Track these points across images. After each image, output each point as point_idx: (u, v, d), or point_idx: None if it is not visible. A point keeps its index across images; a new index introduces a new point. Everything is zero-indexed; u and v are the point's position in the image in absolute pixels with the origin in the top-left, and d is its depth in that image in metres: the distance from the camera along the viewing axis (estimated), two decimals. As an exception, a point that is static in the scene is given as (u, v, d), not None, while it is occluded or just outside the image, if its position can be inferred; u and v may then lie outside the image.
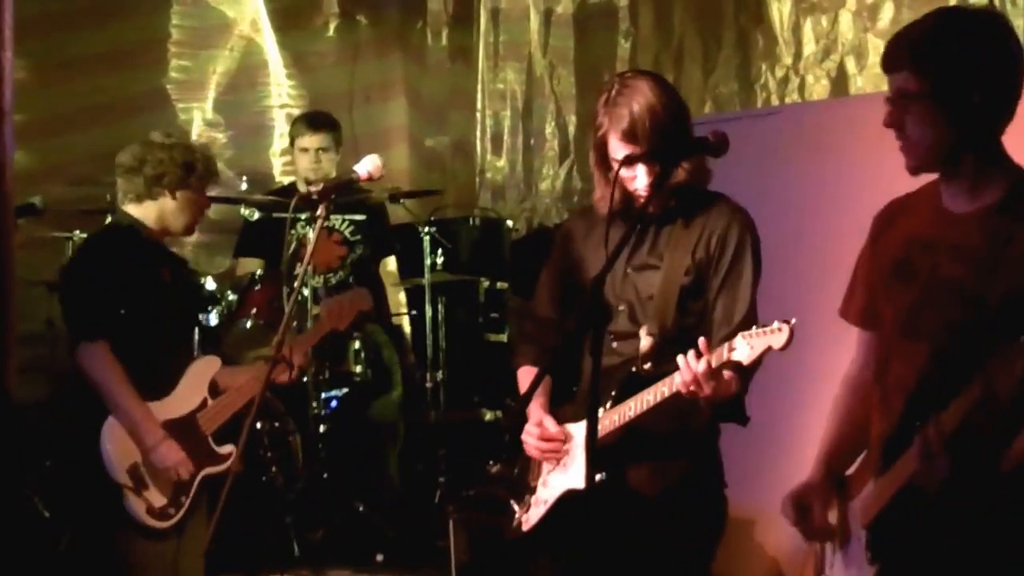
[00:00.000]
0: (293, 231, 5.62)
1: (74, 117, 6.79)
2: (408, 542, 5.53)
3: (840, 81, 5.86)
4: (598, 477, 3.23)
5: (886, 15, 5.69)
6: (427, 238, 6.06)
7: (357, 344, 5.83)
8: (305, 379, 5.59)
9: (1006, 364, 2.44)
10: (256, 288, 5.66)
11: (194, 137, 7.17)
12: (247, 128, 7.34)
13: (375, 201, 6.07)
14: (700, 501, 3.42)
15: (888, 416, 2.80)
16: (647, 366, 3.32)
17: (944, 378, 2.63)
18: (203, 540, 3.89)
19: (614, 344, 3.40)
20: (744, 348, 3.06)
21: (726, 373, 3.16)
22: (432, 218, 6.29)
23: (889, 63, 2.71)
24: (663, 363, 3.23)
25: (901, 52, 2.68)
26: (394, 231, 6.40)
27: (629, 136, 3.25)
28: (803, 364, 4.73)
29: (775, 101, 6.08)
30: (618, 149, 3.29)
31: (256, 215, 5.79)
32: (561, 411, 3.49)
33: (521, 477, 3.56)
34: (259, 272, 5.72)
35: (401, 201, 6.20)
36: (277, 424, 5.44)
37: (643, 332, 3.34)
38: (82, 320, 4.07)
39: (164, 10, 7.15)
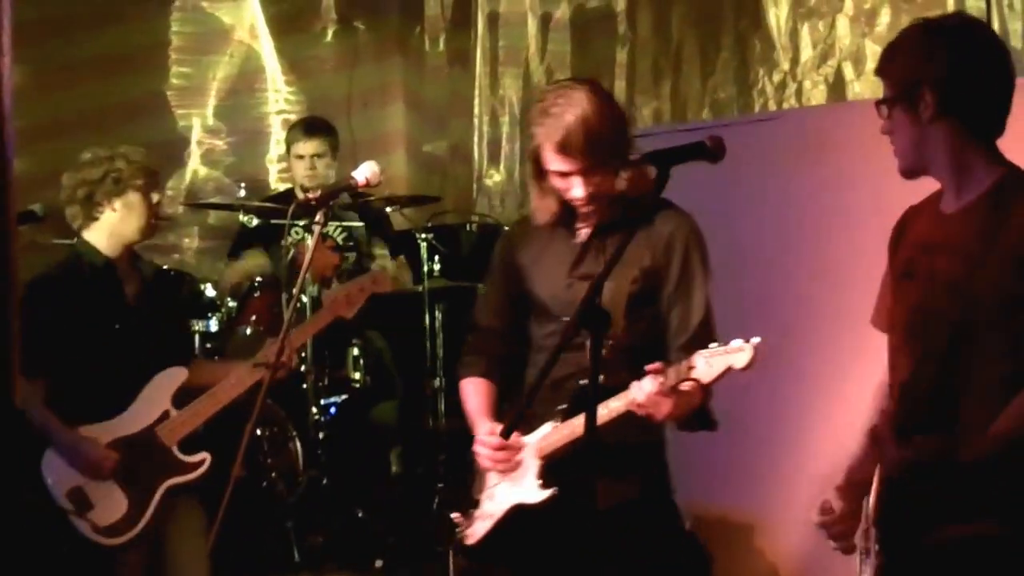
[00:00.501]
0: (289, 237, 5.64)
1: (73, 123, 6.78)
2: (407, 548, 5.53)
3: (838, 86, 5.87)
4: (550, 492, 3.28)
5: (884, 20, 5.69)
6: (424, 244, 6.06)
7: (356, 351, 5.84)
8: (304, 386, 5.59)
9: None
10: (256, 295, 5.67)
11: (194, 144, 7.19)
12: (246, 134, 7.34)
13: (375, 206, 6.06)
14: (654, 513, 3.40)
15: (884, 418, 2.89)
16: (600, 378, 3.29)
17: (935, 374, 2.74)
18: (201, 545, 3.90)
19: (562, 355, 3.30)
20: (703, 366, 3.05)
21: (686, 386, 3.14)
22: (430, 224, 6.29)
23: (877, 70, 2.87)
24: (616, 373, 3.20)
25: (881, 63, 2.84)
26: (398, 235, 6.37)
27: (563, 149, 3.23)
28: (802, 368, 4.75)
29: (773, 106, 6.08)
30: (552, 161, 3.27)
31: (255, 221, 5.80)
32: (503, 421, 3.44)
33: (465, 490, 3.54)
34: (259, 279, 5.73)
35: (399, 207, 6.21)
36: (277, 430, 5.45)
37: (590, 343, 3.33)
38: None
39: (163, 16, 7.15)
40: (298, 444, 5.47)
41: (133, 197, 4.22)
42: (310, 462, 5.54)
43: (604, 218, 3.37)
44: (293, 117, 7.14)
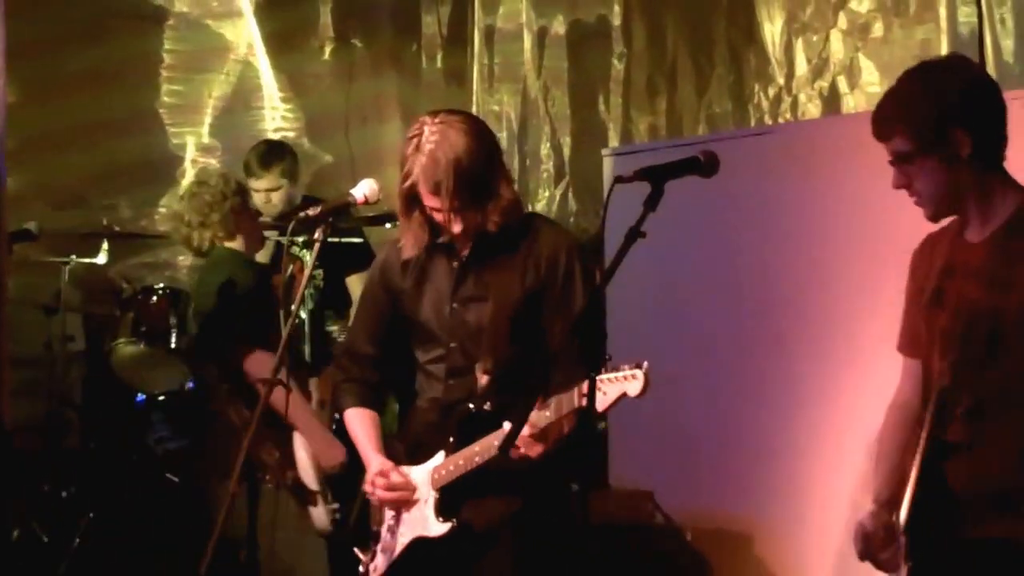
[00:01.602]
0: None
1: (67, 140, 6.79)
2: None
3: (832, 100, 5.89)
4: (448, 526, 3.28)
5: (877, 34, 5.72)
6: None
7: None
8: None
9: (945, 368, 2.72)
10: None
11: (188, 162, 7.18)
12: (242, 152, 7.31)
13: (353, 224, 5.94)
14: (548, 530, 3.35)
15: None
16: (487, 405, 3.29)
17: (960, 391, 2.79)
18: None
19: (449, 381, 3.38)
20: (596, 394, 2.91)
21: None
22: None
23: (881, 132, 2.86)
24: (502, 398, 3.22)
25: (888, 121, 2.84)
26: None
27: (437, 189, 3.24)
28: (797, 377, 4.77)
29: (768, 120, 6.10)
30: (428, 198, 3.28)
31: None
32: (393, 451, 3.47)
33: (362, 523, 3.53)
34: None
35: (397, 223, 6.16)
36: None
37: (479, 369, 3.32)
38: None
39: (157, 33, 7.16)
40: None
41: None
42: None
43: (480, 246, 3.38)
44: (291, 134, 7.14)
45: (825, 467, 4.64)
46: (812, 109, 5.96)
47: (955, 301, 2.85)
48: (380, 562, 3.45)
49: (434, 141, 3.24)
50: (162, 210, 6.97)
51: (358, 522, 3.59)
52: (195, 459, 4.83)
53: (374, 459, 3.45)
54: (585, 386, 2.92)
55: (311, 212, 3.62)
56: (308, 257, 5.45)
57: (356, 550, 3.53)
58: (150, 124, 7.11)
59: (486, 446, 3.20)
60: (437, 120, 3.30)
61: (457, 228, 3.30)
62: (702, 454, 5.06)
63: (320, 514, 4.43)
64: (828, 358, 4.59)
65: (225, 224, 4.62)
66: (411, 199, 3.34)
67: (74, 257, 5.97)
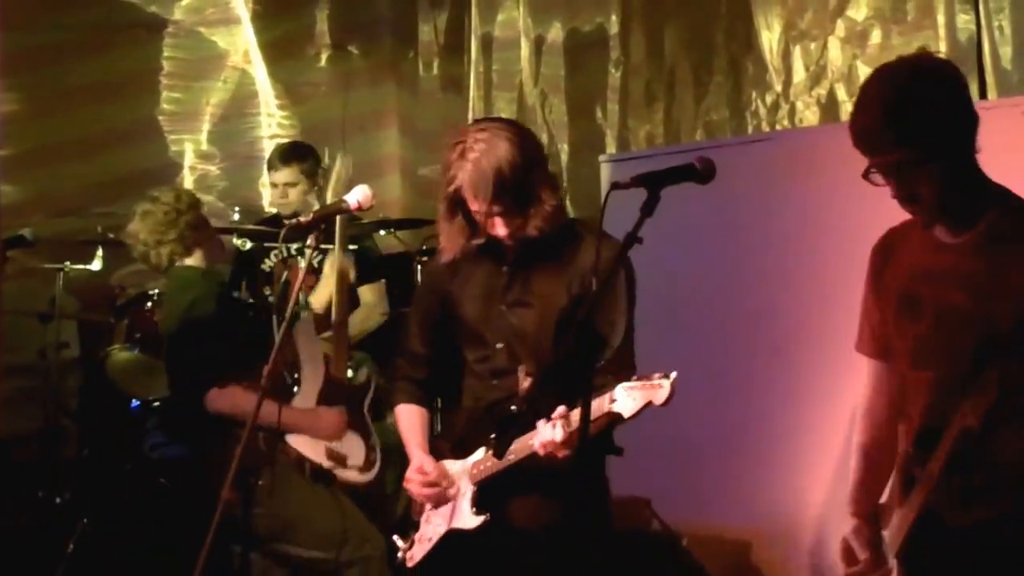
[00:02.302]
0: (268, 260, 5.63)
1: (66, 149, 6.79)
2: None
3: (830, 107, 5.88)
4: (483, 519, 3.36)
5: (875, 41, 5.71)
6: (419, 267, 6.04)
7: (349, 372, 5.81)
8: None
9: (973, 409, 2.59)
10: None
11: (187, 169, 7.19)
12: (239, 159, 7.35)
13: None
14: (586, 536, 3.37)
15: (907, 445, 2.88)
16: (526, 406, 3.32)
17: (951, 405, 2.70)
18: None
19: (493, 381, 3.46)
20: (626, 400, 3.07)
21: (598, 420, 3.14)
22: (424, 247, 6.27)
23: (877, 145, 2.75)
24: (545, 400, 3.24)
25: (887, 133, 2.72)
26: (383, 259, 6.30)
27: (479, 194, 3.31)
28: (794, 385, 4.76)
29: (766, 128, 6.10)
30: (472, 202, 3.36)
31: (248, 245, 5.78)
32: (438, 449, 3.57)
33: (407, 513, 3.63)
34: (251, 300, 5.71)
35: (392, 230, 6.19)
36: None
37: (521, 371, 3.38)
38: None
39: (156, 42, 7.16)
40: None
41: None
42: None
43: (526, 251, 3.44)
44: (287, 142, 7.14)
45: (823, 475, 4.63)
46: (810, 116, 5.96)
47: (933, 307, 2.79)
48: (416, 551, 3.54)
49: (479, 148, 3.31)
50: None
51: (405, 512, 3.67)
52: (192, 465, 4.80)
53: (415, 454, 3.56)
54: (614, 392, 3.06)
55: (303, 218, 3.62)
56: (301, 263, 5.45)
57: (395, 537, 3.63)
58: (149, 132, 7.13)
59: (524, 445, 3.27)
60: (481, 127, 3.40)
61: (501, 232, 3.38)
62: (699, 461, 5.05)
63: (351, 476, 4.51)
64: (827, 365, 4.57)
65: (182, 240, 4.63)
66: (454, 203, 3.42)
67: (69, 264, 5.96)
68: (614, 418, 3.10)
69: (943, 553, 2.76)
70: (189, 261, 4.65)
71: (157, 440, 5.78)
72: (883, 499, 2.97)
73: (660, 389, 3.01)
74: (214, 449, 4.25)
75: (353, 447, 4.55)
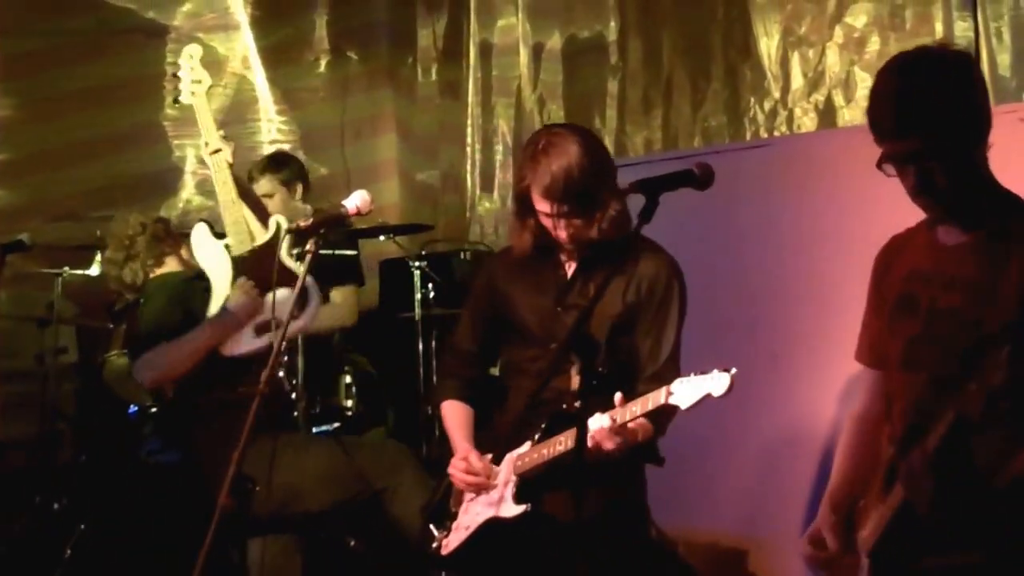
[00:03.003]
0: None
1: (63, 154, 6.80)
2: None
3: (828, 114, 5.89)
4: (524, 507, 3.45)
5: (873, 48, 5.72)
6: (417, 272, 6.05)
7: (348, 378, 5.81)
8: (296, 413, 5.56)
9: (976, 392, 2.53)
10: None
11: (188, 173, 7.19)
12: (239, 164, 7.32)
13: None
14: (622, 532, 3.56)
15: (892, 446, 2.86)
16: (577, 403, 3.35)
17: (940, 404, 2.66)
18: None
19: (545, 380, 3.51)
20: (682, 391, 3.15)
21: (634, 423, 3.30)
22: (423, 252, 6.28)
23: (890, 132, 2.71)
24: (593, 401, 3.24)
25: (900, 120, 2.69)
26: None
27: (548, 194, 3.43)
28: (793, 392, 4.75)
29: (764, 134, 6.11)
30: (539, 202, 3.47)
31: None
32: (482, 443, 3.66)
33: (443, 503, 3.69)
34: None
35: (392, 236, 6.19)
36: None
37: (574, 370, 3.40)
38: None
39: (157, 48, 7.17)
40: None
41: None
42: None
43: (590, 254, 3.56)
44: (286, 147, 7.15)
45: (819, 483, 4.62)
46: (808, 122, 5.96)
47: (927, 309, 2.78)
48: (453, 539, 3.61)
49: (551, 151, 3.44)
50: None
51: (440, 502, 3.71)
52: (188, 470, 4.80)
53: (460, 446, 3.67)
54: (671, 385, 3.16)
55: (302, 223, 3.62)
56: (300, 268, 5.43)
57: (431, 526, 3.68)
58: (148, 136, 7.13)
59: (569, 437, 3.35)
60: (555, 131, 3.53)
61: (563, 234, 3.49)
62: (695, 468, 5.04)
63: (297, 328, 4.47)
64: (824, 372, 4.57)
65: (151, 250, 4.71)
66: (523, 203, 3.53)
67: (67, 269, 5.95)
68: (671, 410, 3.19)
69: (915, 550, 2.75)
70: (162, 271, 4.70)
71: (154, 446, 5.78)
72: (862, 503, 2.97)
73: (719, 381, 3.10)
74: (209, 453, 4.25)
75: (282, 304, 4.27)
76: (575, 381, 3.38)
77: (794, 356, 4.77)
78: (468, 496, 3.62)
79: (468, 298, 3.89)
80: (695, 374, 3.15)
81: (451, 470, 3.61)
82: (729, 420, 4.95)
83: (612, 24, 6.91)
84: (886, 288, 2.94)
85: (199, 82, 5.00)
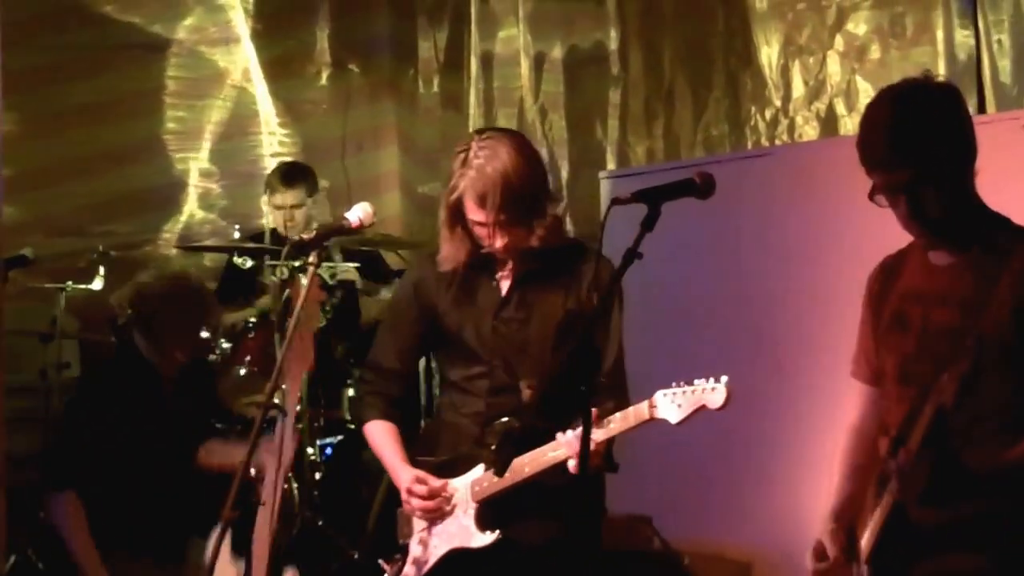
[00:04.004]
0: (272, 277, 5.64)
1: (66, 169, 6.81)
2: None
3: (829, 122, 5.89)
4: (494, 536, 3.31)
5: (874, 57, 5.72)
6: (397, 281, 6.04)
7: (352, 391, 5.82)
8: (300, 426, 5.57)
9: (948, 381, 2.64)
10: (250, 336, 5.66)
11: (190, 187, 7.20)
12: (241, 177, 7.36)
13: (370, 246, 6.04)
14: (583, 552, 3.33)
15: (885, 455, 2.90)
16: (533, 420, 3.30)
17: (934, 421, 2.74)
18: None
19: (491, 398, 3.43)
20: (667, 405, 3.05)
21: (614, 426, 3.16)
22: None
23: (880, 163, 2.78)
24: (539, 416, 3.24)
25: (890, 151, 2.76)
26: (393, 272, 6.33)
27: (483, 201, 3.29)
28: (796, 403, 4.75)
29: (765, 143, 6.10)
30: (473, 211, 3.33)
31: (249, 263, 5.78)
32: (418, 466, 3.48)
33: (386, 535, 3.54)
34: (252, 319, 5.71)
35: (395, 248, 6.21)
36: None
37: (523, 385, 3.37)
38: None
39: (158, 61, 7.17)
40: (294, 485, 5.44)
41: None
42: (305, 503, 5.51)
43: (525, 265, 3.43)
44: (288, 159, 7.14)
45: (824, 494, 4.61)
46: (809, 131, 5.96)
47: (920, 326, 2.83)
48: (411, 573, 3.45)
49: (483, 156, 3.32)
50: (166, 236, 7.07)
51: (377, 532, 3.64)
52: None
53: (404, 470, 3.47)
54: (653, 398, 3.05)
55: (305, 236, 3.62)
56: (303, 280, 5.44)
57: (381, 561, 3.53)
58: (149, 151, 7.14)
59: (539, 459, 3.23)
60: (485, 136, 3.39)
61: (500, 243, 3.35)
62: (701, 479, 5.04)
63: None
64: (828, 381, 4.55)
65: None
66: (455, 212, 3.39)
67: (70, 283, 5.96)
68: (659, 424, 3.08)
69: (910, 555, 2.79)
70: None
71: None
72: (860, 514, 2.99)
73: (714, 393, 3.01)
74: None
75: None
76: (526, 394, 3.36)
77: (798, 364, 4.76)
78: (420, 525, 3.46)
79: (388, 313, 3.74)
80: (677, 384, 3.05)
81: (408, 496, 3.43)
82: (734, 430, 4.94)
83: (613, 34, 6.91)
84: (880, 307, 2.99)
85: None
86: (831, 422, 4.54)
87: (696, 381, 3.04)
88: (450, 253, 3.45)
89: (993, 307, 2.70)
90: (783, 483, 4.77)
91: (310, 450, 5.62)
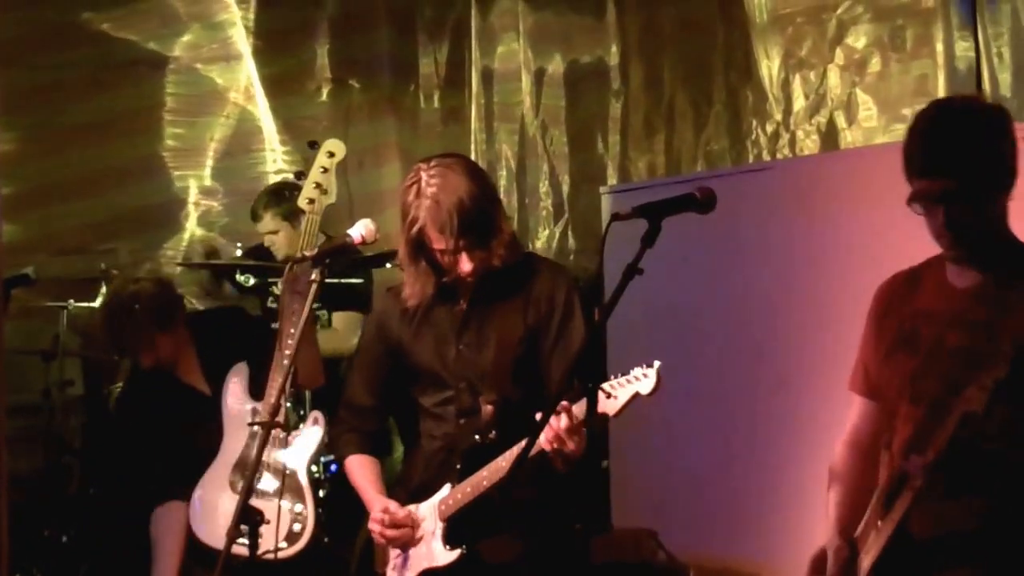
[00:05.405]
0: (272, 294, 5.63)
1: (67, 187, 6.81)
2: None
3: (830, 136, 5.89)
4: (458, 552, 3.32)
5: (874, 70, 5.73)
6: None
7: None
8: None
9: (976, 390, 2.60)
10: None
11: (190, 205, 7.20)
12: (242, 195, 7.35)
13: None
14: (558, 566, 3.36)
15: (888, 472, 2.89)
16: (491, 435, 3.35)
17: (939, 421, 2.71)
18: None
19: (461, 421, 3.44)
20: (603, 401, 3.03)
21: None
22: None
23: (929, 167, 2.77)
24: (507, 430, 3.26)
25: (942, 159, 2.76)
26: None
27: (444, 229, 3.30)
28: (803, 417, 4.74)
29: (766, 157, 6.11)
30: (437, 240, 3.34)
31: (251, 281, 5.78)
32: (397, 496, 3.51)
33: (365, 566, 3.56)
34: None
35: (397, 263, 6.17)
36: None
37: (483, 401, 3.38)
38: None
39: (158, 79, 7.18)
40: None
41: None
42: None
43: (481, 286, 3.44)
44: (290, 177, 7.13)
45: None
46: (810, 145, 5.96)
47: (931, 346, 2.83)
48: None
49: (435, 184, 3.32)
50: (168, 252, 7.06)
51: (360, 565, 3.60)
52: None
53: (376, 501, 3.51)
54: (606, 385, 3.02)
55: (307, 253, 3.62)
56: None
57: None
58: (151, 169, 7.14)
59: (494, 469, 3.25)
60: (433, 164, 3.38)
61: (467, 267, 3.37)
62: (705, 493, 5.03)
63: None
64: (831, 395, 4.54)
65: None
66: (417, 245, 3.40)
67: (72, 302, 5.96)
68: (602, 418, 3.05)
69: (911, 574, 2.78)
70: None
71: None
72: (859, 530, 2.97)
73: (645, 380, 3.00)
74: None
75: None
76: (486, 410, 3.37)
77: (801, 379, 4.76)
78: (394, 553, 3.47)
79: (358, 350, 3.77)
80: (614, 376, 3.04)
81: (372, 525, 3.46)
82: (738, 444, 4.95)
83: (613, 48, 6.92)
84: (887, 323, 2.98)
85: (326, 192, 4.53)
86: (833, 434, 4.55)
87: (633, 370, 3.03)
88: (416, 290, 3.48)
89: (1006, 337, 2.68)
90: (787, 495, 4.76)
91: (314, 468, 5.60)
